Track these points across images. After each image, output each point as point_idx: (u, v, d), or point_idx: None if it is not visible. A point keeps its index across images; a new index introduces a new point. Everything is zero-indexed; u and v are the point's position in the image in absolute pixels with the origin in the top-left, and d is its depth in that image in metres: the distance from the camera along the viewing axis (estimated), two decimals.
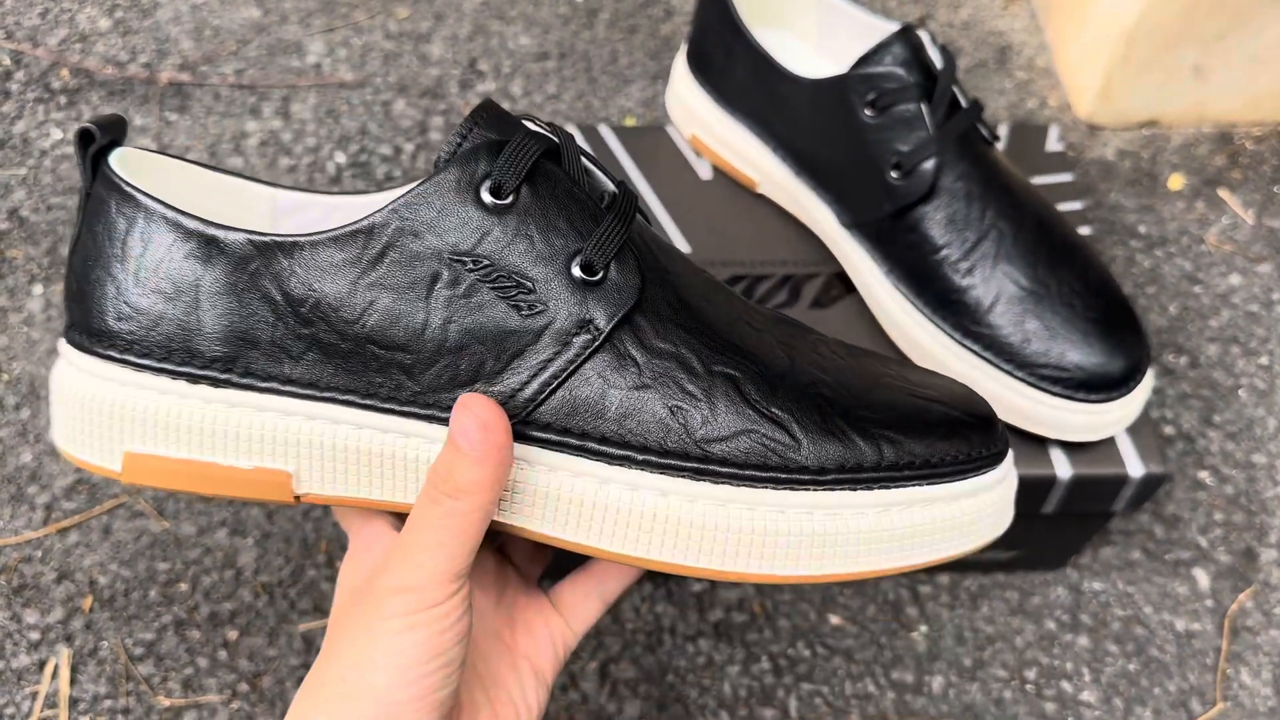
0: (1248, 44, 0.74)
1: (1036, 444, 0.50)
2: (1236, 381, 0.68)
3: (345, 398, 0.34)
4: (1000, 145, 0.54)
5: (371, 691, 0.31)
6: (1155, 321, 0.70)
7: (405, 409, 0.34)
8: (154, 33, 0.81)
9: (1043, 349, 0.47)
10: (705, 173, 0.59)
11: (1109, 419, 0.48)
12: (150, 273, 0.34)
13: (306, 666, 0.55)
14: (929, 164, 0.48)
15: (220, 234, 0.33)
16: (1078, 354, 0.47)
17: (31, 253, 0.69)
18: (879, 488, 0.34)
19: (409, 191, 0.33)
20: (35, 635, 0.56)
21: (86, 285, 0.35)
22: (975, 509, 0.35)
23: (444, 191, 0.33)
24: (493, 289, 0.33)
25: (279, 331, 0.34)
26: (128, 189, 0.34)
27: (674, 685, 0.56)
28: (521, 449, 0.34)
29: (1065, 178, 0.60)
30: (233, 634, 0.56)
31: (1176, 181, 0.77)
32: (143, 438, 0.35)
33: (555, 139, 0.35)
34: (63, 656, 0.55)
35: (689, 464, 0.33)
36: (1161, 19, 0.72)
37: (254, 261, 0.33)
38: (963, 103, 0.49)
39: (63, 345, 0.37)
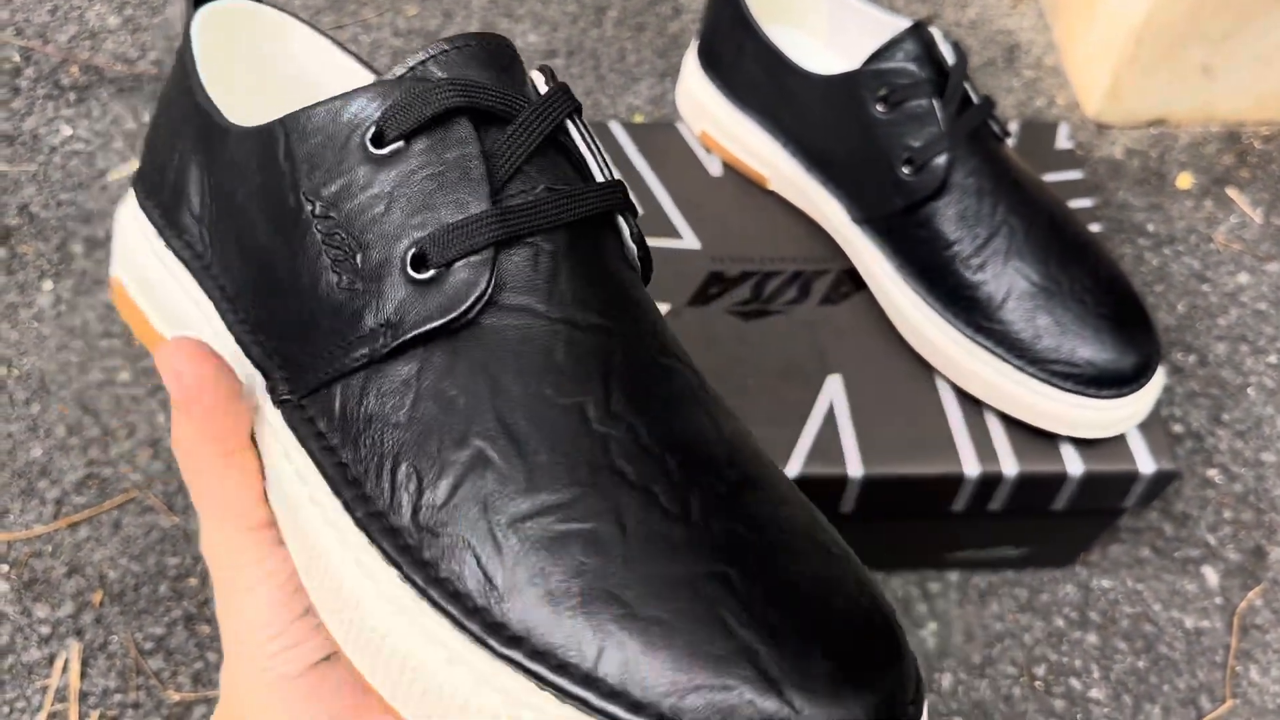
0: (1255, 43, 0.74)
1: (1048, 441, 0.50)
2: (1245, 380, 0.68)
3: (220, 302, 0.32)
4: (1010, 143, 0.54)
5: (249, 646, 0.29)
6: (1164, 320, 0.70)
7: (235, 331, 0.31)
8: (164, 30, 0.81)
9: (1054, 345, 0.47)
10: (715, 169, 0.59)
11: (1120, 415, 0.48)
12: (165, 120, 0.34)
13: None
14: (941, 160, 0.48)
15: (206, 107, 0.32)
16: (1089, 350, 0.47)
17: (41, 248, 0.69)
18: (571, 704, 0.23)
19: (312, 106, 0.28)
20: (46, 629, 0.56)
21: (154, 140, 0.35)
22: None
23: (329, 114, 0.28)
24: (327, 246, 0.28)
25: (205, 213, 0.31)
26: (185, 43, 0.33)
27: None
28: (281, 428, 0.28)
29: (1075, 175, 0.60)
30: None
31: (1185, 180, 0.77)
32: (122, 265, 0.35)
33: (506, 110, 0.28)
34: (73, 650, 0.55)
35: (387, 530, 0.26)
36: (1169, 18, 0.72)
37: (208, 140, 0.31)
38: (974, 99, 0.49)
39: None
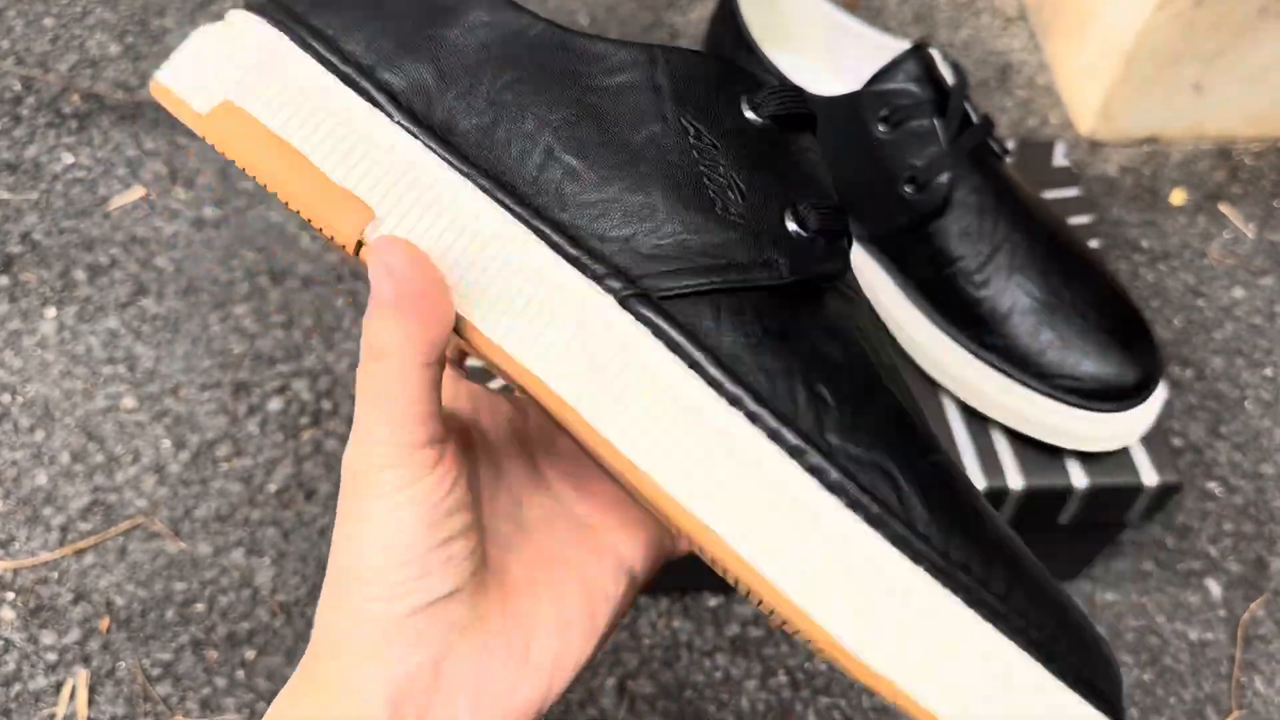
0: (1245, 61, 0.75)
1: (1052, 455, 0.50)
2: (1242, 393, 0.69)
3: (468, 170, 0.30)
4: (1008, 162, 0.55)
5: (365, 578, 0.28)
6: (1161, 334, 0.71)
7: (501, 196, 0.30)
8: (163, 58, 0.82)
9: (1057, 359, 0.48)
10: None
11: (1124, 428, 0.48)
12: None
13: None
14: (943, 178, 0.48)
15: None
16: (1092, 364, 0.48)
17: (44, 276, 0.69)
18: None
19: (697, 53, 0.31)
20: (53, 656, 0.56)
21: None
22: None
23: (718, 70, 0.31)
24: (701, 174, 0.30)
25: (450, 63, 0.30)
26: None
27: (692, 700, 0.56)
28: (631, 327, 0.29)
29: (1072, 192, 0.60)
30: (250, 654, 0.56)
31: (1178, 196, 0.78)
32: (250, 91, 0.30)
33: (807, 109, 0.32)
34: (80, 677, 0.55)
35: (800, 445, 0.28)
36: (1161, 37, 0.73)
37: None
38: (974, 118, 0.50)
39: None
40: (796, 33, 0.59)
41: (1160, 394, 0.49)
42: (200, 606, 0.57)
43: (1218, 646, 0.59)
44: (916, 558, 0.26)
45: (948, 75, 0.50)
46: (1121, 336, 0.48)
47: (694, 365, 0.28)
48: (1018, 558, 0.27)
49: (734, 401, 0.28)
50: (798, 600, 0.26)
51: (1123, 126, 0.80)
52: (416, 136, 0.30)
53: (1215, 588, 0.61)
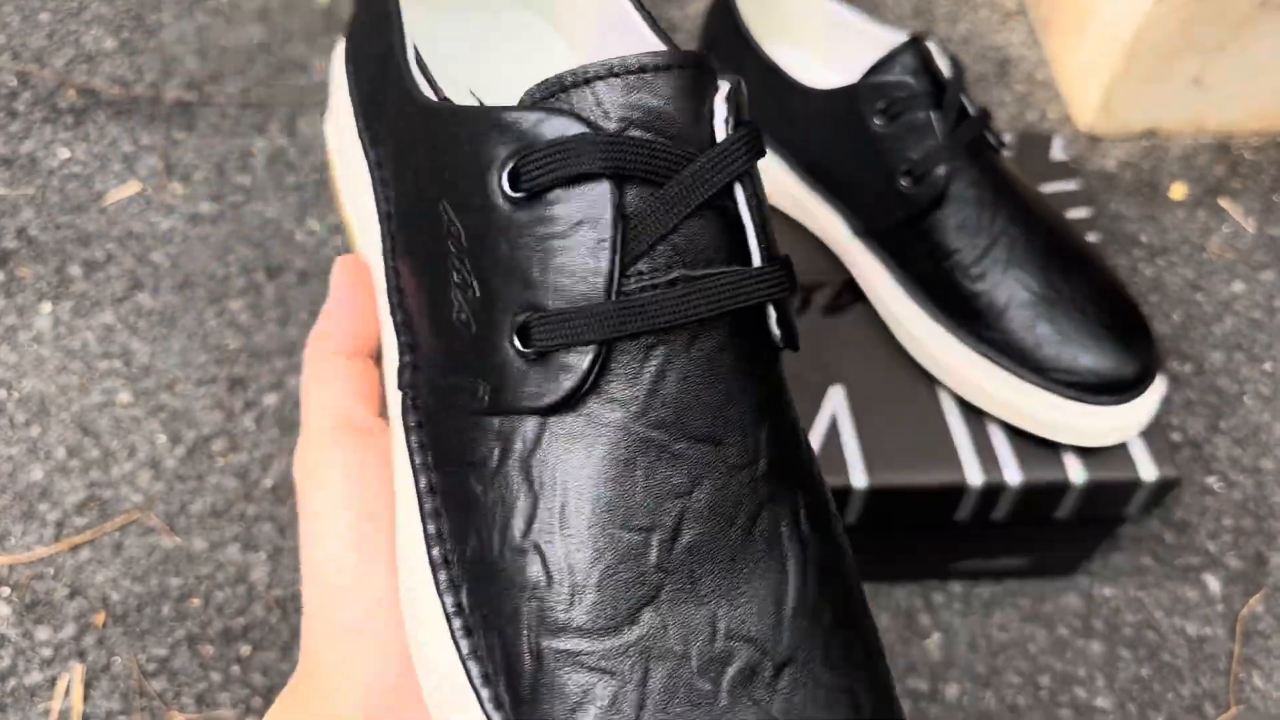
0: (1245, 55, 0.75)
1: (1050, 449, 0.50)
2: (1241, 388, 0.68)
3: (383, 175, 0.32)
4: (1005, 154, 0.55)
5: (318, 566, 0.28)
6: (1160, 329, 0.71)
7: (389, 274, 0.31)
8: (159, 52, 0.82)
9: (1055, 353, 0.48)
10: None
11: (1123, 422, 0.48)
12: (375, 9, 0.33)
13: None
14: (940, 171, 0.48)
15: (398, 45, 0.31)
16: (1090, 358, 0.47)
17: (40, 271, 0.69)
18: None
19: (460, 108, 0.26)
20: (48, 652, 0.55)
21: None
22: None
23: (473, 130, 0.25)
24: (451, 255, 0.26)
25: (388, 137, 0.31)
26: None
27: None
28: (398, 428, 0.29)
29: (1071, 185, 0.60)
30: (246, 649, 0.56)
31: (1178, 191, 0.78)
32: (336, 143, 0.36)
33: (670, 170, 0.24)
34: (76, 673, 0.55)
35: (447, 602, 0.26)
36: (1160, 31, 0.73)
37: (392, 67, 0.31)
38: (971, 111, 0.50)
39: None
40: (793, 25, 0.58)
41: (1159, 388, 0.49)
42: (196, 602, 0.57)
43: (1216, 642, 0.59)
44: None
45: (945, 68, 0.50)
46: (1120, 330, 0.48)
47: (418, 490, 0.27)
48: None
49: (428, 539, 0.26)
50: None
51: (1122, 120, 0.80)
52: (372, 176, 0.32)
53: (1214, 583, 0.61)
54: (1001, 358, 0.48)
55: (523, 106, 0.24)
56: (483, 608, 0.24)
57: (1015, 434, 0.50)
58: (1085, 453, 0.50)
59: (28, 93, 0.79)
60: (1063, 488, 0.50)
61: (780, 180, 0.56)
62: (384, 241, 0.31)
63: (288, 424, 0.63)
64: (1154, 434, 0.51)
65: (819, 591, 0.25)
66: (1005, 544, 0.57)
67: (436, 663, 0.25)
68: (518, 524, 0.24)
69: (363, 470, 0.29)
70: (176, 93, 0.79)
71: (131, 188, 0.74)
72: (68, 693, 0.54)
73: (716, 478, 0.24)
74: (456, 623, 0.25)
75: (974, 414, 0.51)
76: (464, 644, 0.25)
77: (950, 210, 0.49)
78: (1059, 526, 0.54)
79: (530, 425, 0.24)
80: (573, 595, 0.24)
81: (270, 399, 0.64)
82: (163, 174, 0.74)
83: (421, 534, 0.26)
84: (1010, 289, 0.48)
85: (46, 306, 0.68)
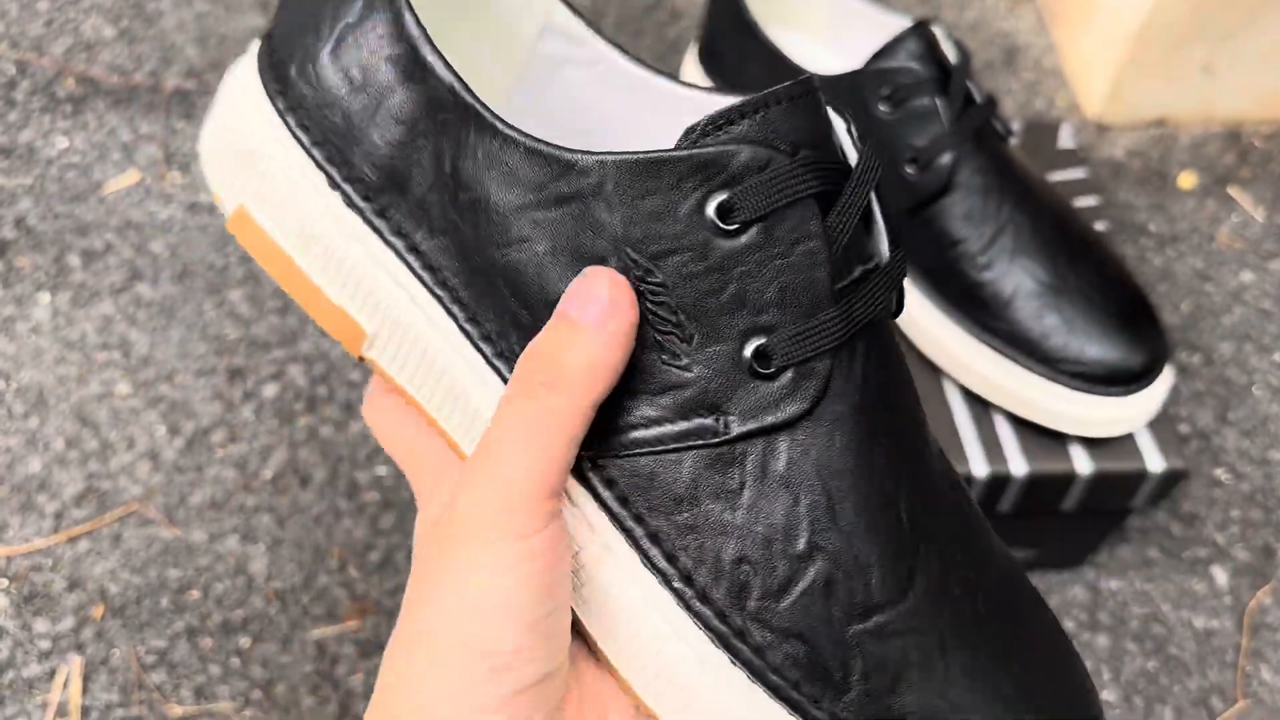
0: (1256, 42, 0.74)
1: (1056, 440, 0.49)
2: (1250, 379, 0.68)
3: (452, 307, 0.29)
4: (1013, 143, 0.54)
5: (473, 638, 0.25)
6: (1168, 319, 0.70)
7: (495, 361, 0.29)
8: (159, 41, 0.81)
9: (1062, 343, 0.47)
10: None
11: (1130, 413, 0.47)
12: (349, 51, 0.29)
13: (320, 674, 0.55)
14: (946, 158, 0.47)
15: (431, 60, 0.28)
16: (1098, 348, 0.47)
17: (38, 261, 0.69)
18: None
19: (638, 153, 0.26)
20: (46, 644, 0.55)
21: (294, 19, 0.31)
22: None
23: (673, 175, 0.26)
24: (648, 312, 0.26)
25: (432, 196, 0.29)
26: None
27: None
28: (572, 485, 0.28)
29: (1078, 174, 0.59)
30: (245, 641, 0.56)
31: (1187, 180, 0.77)
32: (262, 203, 0.31)
33: (838, 182, 0.27)
34: (74, 665, 0.54)
35: (720, 626, 0.27)
36: (1170, 18, 0.72)
37: (446, 113, 0.28)
38: (977, 97, 0.49)
39: (253, 47, 0.32)
40: (797, 10, 0.58)
41: (1167, 378, 0.48)
42: (195, 594, 0.57)
43: (1224, 635, 0.58)
44: None
45: (950, 54, 0.49)
46: (1128, 320, 0.48)
47: (627, 534, 0.27)
48: None
49: (664, 580, 0.27)
50: None
51: (1131, 109, 0.79)
52: (397, 253, 0.30)
53: (1221, 575, 0.61)
54: (1008, 348, 0.48)
55: (717, 142, 0.26)
56: (767, 623, 0.26)
57: (1021, 425, 0.50)
58: (1092, 444, 0.49)
59: (26, 81, 0.78)
60: (1069, 479, 0.49)
61: None
62: (461, 321, 0.29)
63: (287, 415, 0.63)
64: (1161, 425, 0.50)
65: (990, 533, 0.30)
66: (1011, 536, 0.56)
67: (734, 693, 0.26)
68: (790, 533, 0.26)
69: (548, 538, 0.26)
70: (176, 81, 0.79)
71: (130, 177, 0.73)
72: (66, 685, 0.54)
73: (916, 441, 0.28)
74: (740, 643, 0.26)
75: (979, 405, 0.50)
76: (760, 660, 0.26)
77: (956, 198, 0.48)
78: (1065, 518, 0.54)
79: (779, 439, 0.26)
80: (866, 579, 0.26)
81: (269, 390, 0.64)
82: (162, 163, 0.74)
83: (657, 580, 0.27)
84: (1017, 278, 0.48)
85: (45, 297, 0.67)
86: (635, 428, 0.27)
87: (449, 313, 0.29)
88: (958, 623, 0.27)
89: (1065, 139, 0.61)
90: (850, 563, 0.26)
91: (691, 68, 0.59)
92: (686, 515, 0.27)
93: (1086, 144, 0.79)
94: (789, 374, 0.26)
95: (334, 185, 0.30)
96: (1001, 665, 0.27)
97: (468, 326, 0.29)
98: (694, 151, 0.26)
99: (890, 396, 0.27)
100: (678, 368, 0.26)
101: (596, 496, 0.28)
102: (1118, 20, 0.75)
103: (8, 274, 0.68)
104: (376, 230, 0.30)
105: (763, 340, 0.26)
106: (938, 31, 0.49)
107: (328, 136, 0.30)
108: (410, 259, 0.29)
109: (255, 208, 0.31)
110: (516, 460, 0.25)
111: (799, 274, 0.26)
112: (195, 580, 0.57)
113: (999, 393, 0.49)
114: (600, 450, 0.27)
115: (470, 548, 0.25)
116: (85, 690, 0.54)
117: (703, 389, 0.26)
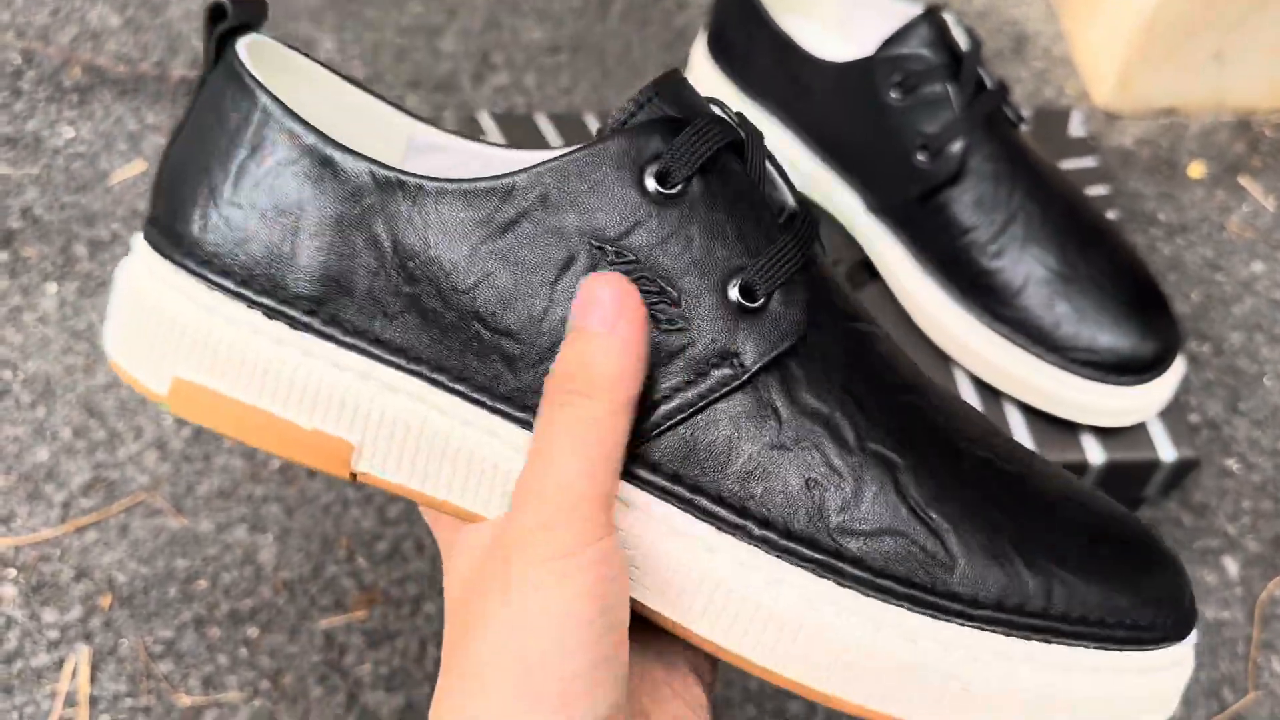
0: (1268, 29, 0.74)
1: (1068, 430, 0.49)
2: (1261, 369, 0.67)
3: (434, 375, 0.29)
4: (1023, 130, 0.54)
5: (533, 667, 0.24)
6: (1178, 309, 0.69)
7: (497, 405, 0.29)
8: (165, 30, 0.81)
9: (1073, 332, 0.47)
10: None
11: (1142, 402, 0.47)
12: (252, 184, 0.29)
13: (328, 663, 0.55)
14: (956, 145, 0.47)
15: (339, 157, 0.29)
16: (1109, 336, 0.46)
17: (45, 251, 0.69)
18: (1038, 639, 0.27)
19: (562, 155, 0.28)
20: (54, 634, 0.55)
21: (179, 181, 0.30)
22: (1140, 690, 0.28)
23: (604, 164, 0.28)
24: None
25: (379, 282, 0.29)
26: (248, 82, 0.29)
27: None
28: (622, 485, 0.28)
29: (1089, 162, 0.59)
30: (253, 631, 0.56)
31: (1196, 169, 0.77)
32: (198, 365, 0.30)
33: (741, 132, 0.30)
34: (82, 655, 0.54)
35: (815, 554, 0.27)
36: (1181, 6, 0.72)
37: (369, 196, 0.29)
38: (988, 84, 0.49)
39: (137, 240, 0.32)
40: None
41: (1179, 367, 0.48)
42: (203, 583, 0.57)
43: (1235, 626, 0.58)
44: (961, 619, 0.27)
45: (961, 41, 0.49)
46: (1139, 308, 0.47)
47: (690, 505, 0.28)
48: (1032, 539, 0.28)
49: (744, 535, 0.28)
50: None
51: (1140, 97, 0.78)
52: (360, 351, 0.30)
53: (1233, 566, 0.60)
54: (1018, 336, 0.47)
55: (633, 127, 0.28)
56: (856, 531, 0.27)
57: (1032, 414, 0.50)
58: (1104, 433, 0.49)
59: (32, 71, 0.78)
60: (1080, 469, 0.49)
61: (794, 156, 0.55)
62: (459, 390, 0.29)
63: None
64: (1173, 414, 0.50)
65: None
66: None
67: (853, 616, 0.28)
68: (839, 438, 0.28)
69: (602, 551, 0.25)
70: (182, 71, 0.78)
71: (137, 167, 0.73)
72: (74, 674, 0.54)
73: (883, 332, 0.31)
74: (839, 561, 0.28)
75: (990, 393, 0.50)
76: (863, 571, 0.27)
77: (967, 186, 0.48)
78: None
79: (790, 362, 0.28)
80: (921, 455, 0.28)
81: None
82: None
83: (737, 538, 0.28)
84: (1028, 266, 0.47)
85: (52, 287, 0.67)
86: (659, 404, 0.28)
87: (433, 383, 0.30)
88: (1009, 477, 0.29)
89: (1076, 127, 0.61)
90: (906, 450, 0.28)
91: (700, 57, 0.59)
92: (740, 465, 0.28)
93: (1096, 133, 0.78)
94: (776, 299, 0.28)
95: (271, 315, 0.30)
96: (1076, 500, 0.29)
97: (457, 386, 0.29)
98: (614, 141, 0.28)
99: (858, 307, 0.30)
100: (675, 330, 0.28)
101: (646, 484, 0.28)
102: (1127, 8, 0.74)
103: (14, 264, 0.68)
104: (331, 338, 0.30)
105: (740, 277, 0.28)
106: (948, 18, 0.49)
107: (252, 272, 0.30)
108: (375, 351, 0.30)
109: (192, 373, 0.30)
110: (567, 465, 0.26)
111: (746, 211, 0.29)
112: (203, 570, 0.57)
113: (1010, 381, 0.48)
114: (633, 438, 0.28)
115: (520, 565, 0.25)
116: (94, 680, 0.54)
117: (708, 342, 0.28)
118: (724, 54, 0.56)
